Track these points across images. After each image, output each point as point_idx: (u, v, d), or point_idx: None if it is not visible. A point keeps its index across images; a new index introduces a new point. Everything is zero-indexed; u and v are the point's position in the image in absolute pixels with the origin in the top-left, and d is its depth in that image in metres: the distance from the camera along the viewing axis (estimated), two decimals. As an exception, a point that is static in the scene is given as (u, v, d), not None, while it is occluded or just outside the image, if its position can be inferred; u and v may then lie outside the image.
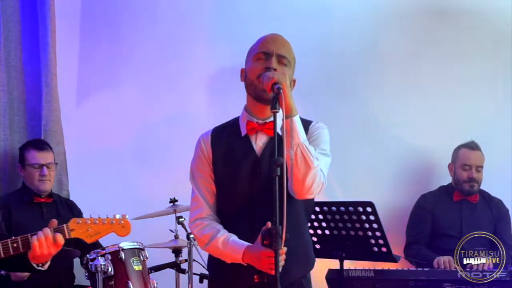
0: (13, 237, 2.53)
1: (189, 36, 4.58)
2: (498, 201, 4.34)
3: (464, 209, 4.26)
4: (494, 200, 4.34)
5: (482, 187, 4.34)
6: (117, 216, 2.65)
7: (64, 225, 2.58)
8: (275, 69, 2.42)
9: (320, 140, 2.52)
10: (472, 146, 4.32)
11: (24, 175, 3.98)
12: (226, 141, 2.56)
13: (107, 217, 2.64)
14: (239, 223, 2.49)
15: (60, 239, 2.53)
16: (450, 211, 4.27)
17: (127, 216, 2.67)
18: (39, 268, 2.57)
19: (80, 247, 3.73)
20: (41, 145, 3.99)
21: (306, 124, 2.52)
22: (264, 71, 2.42)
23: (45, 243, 2.51)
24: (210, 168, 2.55)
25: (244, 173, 2.49)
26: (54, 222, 2.58)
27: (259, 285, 2.34)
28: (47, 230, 2.53)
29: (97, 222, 2.62)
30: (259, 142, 2.52)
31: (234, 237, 2.46)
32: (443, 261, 3.89)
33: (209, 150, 2.56)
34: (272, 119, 2.28)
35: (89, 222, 2.61)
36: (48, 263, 2.59)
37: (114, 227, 2.64)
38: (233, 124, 2.61)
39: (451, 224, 4.22)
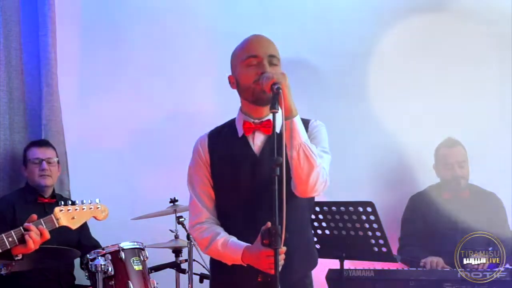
0: (6, 232, 2.58)
1: (190, 37, 4.58)
2: (490, 193, 4.28)
3: (456, 206, 4.18)
4: (486, 193, 4.28)
5: (480, 186, 4.32)
6: (97, 200, 2.90)
7: (52, 215, 2.69)
8: None
9: (320, 138, 2.53)
10: (449, 143, 4.28)
11: (27, 174, 4.00)
12: (224, 143, 2.56)
13: (89, 203, 2.86)
14: (241, 223, 2.49)
15: (46, 234, 2.64)
16: (442, 210, 4.20)
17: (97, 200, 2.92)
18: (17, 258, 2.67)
19: (80, 248, 3.75)
20: (41, 142, 4.03)
21: (304, 122, 2.51)
22: (260, 75, 2.41)
23: (37, 240, 2.60)
24: (208, 171, 2.56)
25: (244, 173, 2.49)
26: (34, 216, 2.65)
27: (262, 285, 2.34)
28: (33, 228, 2.60)
29: (78, 209, 2.80)
30: (256, 141, 2.52)
31: (233, 239, 2.46)
32: (430, 261, 3.87)
33: (206, 153, 2.56)
34: (268, 117, 2.28)
35: (70, 210, 2.77)
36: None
37: (94, 212, 2.86)
38: (230, 125, 2.61)
39: (445, 223, 4.15)
